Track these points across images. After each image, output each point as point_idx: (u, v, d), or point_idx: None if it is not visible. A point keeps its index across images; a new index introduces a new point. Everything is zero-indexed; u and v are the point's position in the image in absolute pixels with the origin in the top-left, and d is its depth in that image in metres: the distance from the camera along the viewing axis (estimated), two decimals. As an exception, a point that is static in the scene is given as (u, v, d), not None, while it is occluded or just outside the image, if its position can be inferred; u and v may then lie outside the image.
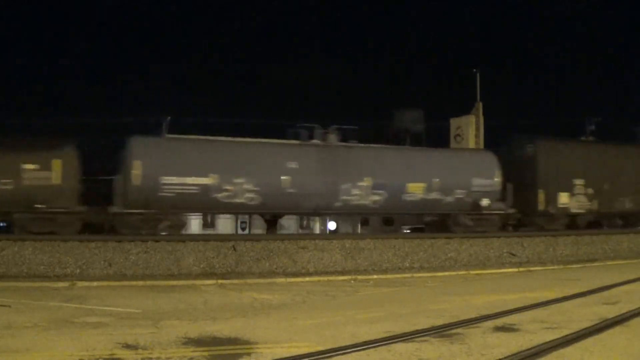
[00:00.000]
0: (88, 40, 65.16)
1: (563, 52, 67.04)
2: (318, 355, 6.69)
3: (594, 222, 22.39)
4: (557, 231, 20.85)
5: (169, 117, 24.13)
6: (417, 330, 8.14)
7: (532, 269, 18.02)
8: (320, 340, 7.52)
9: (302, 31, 75.26)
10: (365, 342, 7.33)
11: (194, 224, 26.22)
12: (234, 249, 16.43)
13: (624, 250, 21.22)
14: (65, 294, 12.42)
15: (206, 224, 26.18)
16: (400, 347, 7.22)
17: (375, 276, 16.21)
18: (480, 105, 29.81)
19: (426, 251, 18.21)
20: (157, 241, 16.36)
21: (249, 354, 6.90)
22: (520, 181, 20.40)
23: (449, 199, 19.27)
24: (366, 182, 18.41)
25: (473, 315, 9.32)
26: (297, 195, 17.74)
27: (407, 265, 17.72)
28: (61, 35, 65.60)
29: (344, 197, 18.27)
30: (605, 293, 12.13)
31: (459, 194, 19.35)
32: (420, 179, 19.03)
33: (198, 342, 7.60)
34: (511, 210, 20.06)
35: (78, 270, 15.10)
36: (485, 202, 19.46)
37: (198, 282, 14.60)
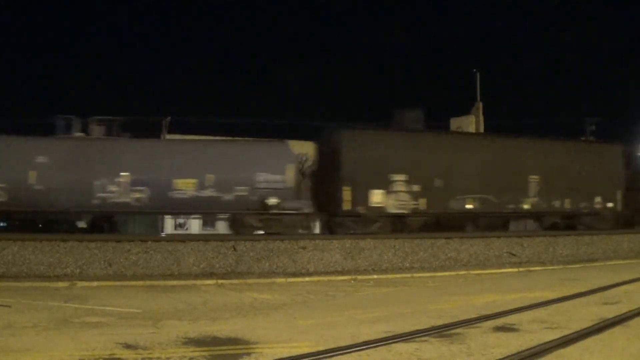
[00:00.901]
0: (89, 39, 65.18)
1: (563, 52, 67.00)
2: (318, 355, 6.68)
3: (434, 224, 19.89)
4: (378, 234, 18.36)
5: (169, 117, 24.20)
6: (417, 330, 8.13)
7: (532, 269, 18.02)
8: (321, 340, 7.52)
9: (301, 31, 75.28)
10: (365, 342, 7.32)
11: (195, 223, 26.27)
12: (234, 249, 16.44)
13: (624, 250, 21.21)
14: (65, 294, 12.43)
15: (206, 224, 26.17)
16: (400, 347, 7.22)
17: (375, 276, 16.21)
18: (480, 105, 29.88)
19: (426, 251, 18.21)
20: (157, 241, 16.42)
21: (249, 354, 6.90)
22: (326, 177, 18.56)
23: (228, 197, 17.36)
24: (124, 178, 17.02)
25: (473, 315, 9.32)
26: (46, 191, 16.62)
27: (407, 265, 17.73)
28: (61, 34, 65.59)
29: (101, 194, 16.92)
30: (605, 293, 12.12)
31: (241, 191, 17.38)
32: (190, 174, 17.26)
33: (198, 342, 7.60)
34: (307, 210, 17.97)
35: (78, 270, 15.13)
36: (273, 200, 17.36)
37: (198, 282, 14.60)
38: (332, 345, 7.12)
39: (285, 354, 6.69)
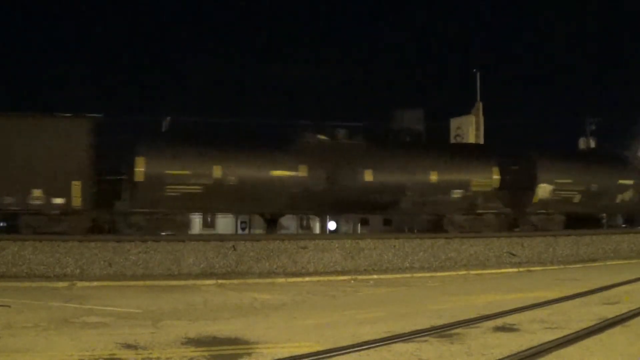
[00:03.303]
0: (87, 38, 65.18)
1: (564, 52, 67.07)
2: (318, 355, 6.68)
3: None
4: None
5: (169, 117, 24.16)
6: (417, 330, 8.13)
7: (532, 269, 18.01)
8: (320, 340, 7.52)
9: (302, 31, 75.28)
10: (365, 342, 7.32)
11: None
12: (234, 249, 16.44)
13: (624, 250, 21.19)
14: (65, 294, 12.43)
15: (206, 224, 26.09)
16: (400, 347, 7.22)
17: (375, 276, 16.21)
18: (480, 105, 29.82)
19: (426, 251, 18.22)
20: (157, 241, 16.40)
21: (249, 354, 6.90)
22: None
23: None
24: None
25: (473, 315, 9.31)
26: None
27: (407, 265, 17.73)
28: (60, 34, 65.63)
29: None
30: (605, 293, 12.11)
31: None
32: None
33: (198, 342, 7.60)
34: None
35: (78, 270, 15.13)
36: None
37: (198, 282, 14.61)
38: (332, 345, 7.11)
39: (285, 354, 6.69)
